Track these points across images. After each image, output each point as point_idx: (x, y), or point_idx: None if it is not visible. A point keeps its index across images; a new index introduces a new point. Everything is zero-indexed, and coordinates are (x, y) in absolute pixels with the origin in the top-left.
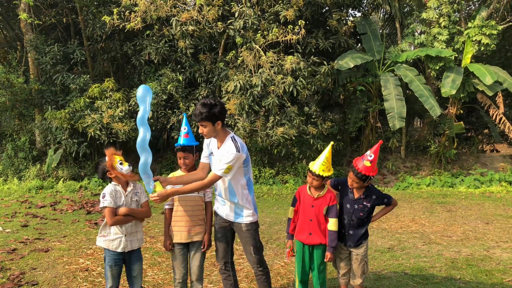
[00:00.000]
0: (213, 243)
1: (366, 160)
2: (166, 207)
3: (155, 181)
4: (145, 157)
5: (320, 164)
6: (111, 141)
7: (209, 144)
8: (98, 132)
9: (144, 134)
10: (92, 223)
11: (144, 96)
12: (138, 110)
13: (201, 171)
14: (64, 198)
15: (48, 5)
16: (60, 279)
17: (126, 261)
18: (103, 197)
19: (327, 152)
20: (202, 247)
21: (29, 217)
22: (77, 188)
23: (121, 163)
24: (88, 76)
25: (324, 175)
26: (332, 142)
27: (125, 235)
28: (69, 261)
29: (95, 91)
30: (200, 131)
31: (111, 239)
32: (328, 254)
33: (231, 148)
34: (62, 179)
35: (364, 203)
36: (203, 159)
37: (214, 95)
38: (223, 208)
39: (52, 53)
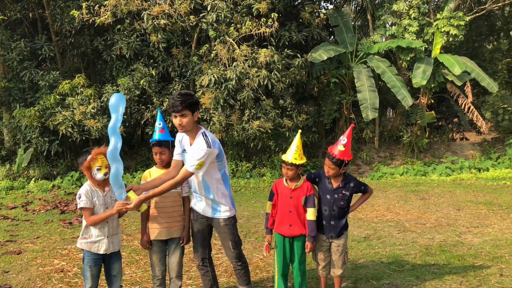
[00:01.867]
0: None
1: (340, 144)
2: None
3: (128, 191)
4: (116, 167)
5: (293, 153)
6: (83, 138)
7: (181, 140)
8: (70, 129)
9: (115, 144)
10: (66, 223)
11: (117, 104)
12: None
13: (173, 170)
14: (36, 198)
15: None
16: (34, 281)
17: (106, 261)
18: (79, 198)
19: (297, 140)
20: (181, 242)
21: None
22: (49, 187)
23: (99, 169)
24: (57, 72)
25: (297, 163)
26: (300, 131)
27: (108, 237)
28: (43, 263)
29: (66, 88)
30: (178, 122)
31: (93, 241)
32: (308, 244)
33: (202, 144)
34: (33, 179)
35: (343, 191)
36: (176, 156)
37: (188, 90)
38: (200, 204)
39: (18, 49)
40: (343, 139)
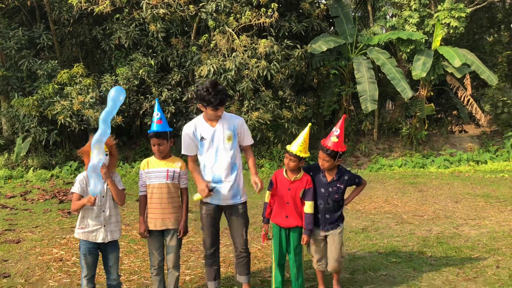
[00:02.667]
0: (192, 230)
1: (333, 136)
2: (140, 193)
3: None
4: (97, 157)
5: (298, 145)
6: (82, 128)
7: (196, 130)
8: (68, 119)
9: (102, 132)
10: (65, 213)
11: (116, 98)
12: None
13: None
14: (35, 187)
15: None
16: (33, 270)
17: (102, 250)
18: (74, 183)
19: (305, 133)
20: (178, 234)
21: None
22: (48, 177)
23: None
24: (56, 61)
25: (301, 156)
26: (310, 124)
27: (104, 225)
28: (42, 252)
29: (64, 77)
30: (220, 113)
31: (90, 230)
32: (304, 237)
33: (237, 117)
34: (32, 168)
35: (338, 184)
36: (193, 150)
37: (187, 80)
38: (218, 196)
39: (16, 37)
40: (336, 130)
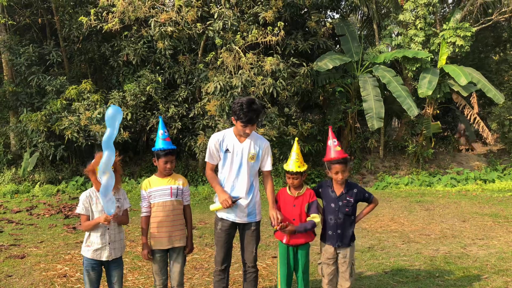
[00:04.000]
0: (196, 247)
1: (334, 147)
2: (143, 215)
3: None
4: (107, 180)
5: (294, 162)
6: (89, 143)
7: (222, 141)
8: (75, 134)
9: (107, 157)
10: (70, 228)
11: (113, 117)
12: (124, 116)
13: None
14: (41, 202)
15: (23, 5)
16: (37, 286)
17: (106, 267)
18: (78, 203)
19: (296, 148)
20: (185, 251)
21: (4, 222)
22: (54, 192)
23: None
24: (64, 77)
25: (301, 171)
26: (296, 138)
27: (109, 243)
28: (46, 268)
29: (72, 93)
30: (248, 131)
31: (95, 248)
32: (290, 228)
33: (265, 140)
34: (38, 183)
35: (348, 198)
36: (214, 160)
37: (194, 96)
38: (234, 212)
39: (27, 54)
40: (334, 141)
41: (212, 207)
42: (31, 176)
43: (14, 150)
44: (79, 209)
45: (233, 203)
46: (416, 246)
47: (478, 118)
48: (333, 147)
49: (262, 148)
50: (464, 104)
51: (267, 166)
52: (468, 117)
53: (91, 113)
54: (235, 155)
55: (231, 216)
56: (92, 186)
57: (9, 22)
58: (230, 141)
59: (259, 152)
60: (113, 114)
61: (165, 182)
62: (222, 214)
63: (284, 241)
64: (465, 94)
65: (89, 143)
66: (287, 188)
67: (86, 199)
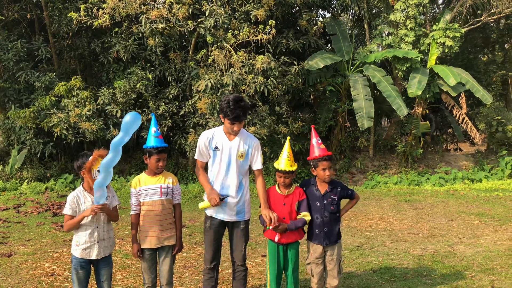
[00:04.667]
0: (186, 245)
1: (319, 145)
2: (132, 213)
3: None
4: (104, 177)
5: (286, 161)
6: (78, 140)
7: (212, 139)
8: (64, 131)
9: (112, 158)
10: (58, 226)
11: (130, 123)
12: (108, 111)
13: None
14: (29, 200)
15: (11, 0)
16: (24, 285)
17: (95, 266)
18: (65, 204)
19: (287, 147)
20: (173, 251)
21: None
22: (42, 189)
23: (99, 170)
24: (54, 74)
25: (293, 170)
26: (288, 137)
27: (98, 242)
28: (34, 266)
29: (62, 89)
30: (236, 128)
31: (84, 247)
32: (283, 225)
33: (254, 138)
34: (26, 181)
35: (332, 196)
36: (204, 158)
37: (184, 94)
38: (223, 210)
39: (15, 49)
40: (318, 140)
41: (201, 205)
42: (19, 173)
43: (1, 147)
44: (66, 210)
45: (221, 200)
46: (405, 245)
47: (466, 118)
48: (317, 145)
49: (252, 146)
50: (453, 104)
51: (257, 164)
52: (457, 117)
53: (81, 110)
54: (224, 153)
55: (220, 215)
56: (80, 185)
57: None
58: (219, 139)
59: (248, 150)
60: (131, 121)
61: (155, 180)
62: (211, 212)
63: (275, 239)
64: (454, 94)
65: (78, 140)
66: (276, 186)
67: (73, 199)
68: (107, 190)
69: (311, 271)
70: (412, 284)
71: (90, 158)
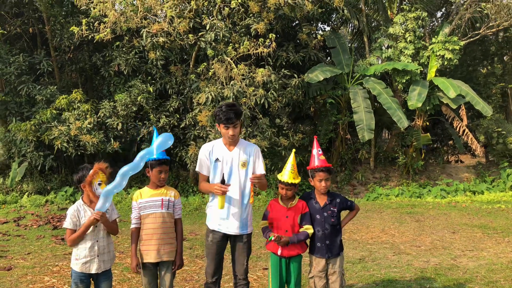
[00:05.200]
0: (186, 259)
1: (318, 156)
2: (133, 226)
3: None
4: (117, 185)
5: (289, 173)
6: (79, 153)
7: (212, 150)
8: (65, 144)
9: (134, 166)
10: (58, 239)
11: (164, 144)
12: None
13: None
14: (29, 213)
15: (14, 14)
16: None
17: (94, 280)
18: (66, 217)
19: (292, 160)
20: (173, 267)
21: None
22: (42, 202)
23: (100, 184)
24: (55, 87)
25: (296, 183)
26: (294, 150)
27: (98, 256)
28: (34, 280)
29: (63, 103)
30: (231, 133)
31: (84, 261)
32: (285, 238)
33: (254, 145)
34: (26, 193)
35: (332, 208)
36: (205, 171)
37: (185, 107)
38: (226, 223)
39: (17, 63)
40: (318, 150)
41: (219, 205)
42: (19, 186)
43: (2, 160)
44: (67, 224)
45: (224, 184)
46: (407, 258)
47: (467, 130)
48: (318, 155)
49: (252, 153)
50: (453, 116)
51: (259, 169)
52: (457, 129)
53: (81, 123)
54: (225, 164)
55: (222, 228)
56: (80, 198)
57: (0, 32)
58: (219, 150)
59: (249, 158)
60: (164, 141)
61: (157, 193)
62: (213, 226)
63: (278, 253)
64: (454, 107)
65: (79, 153)
66: (279, 198)
67: (74, 213)
68: None
69: (314, 284)
70: None
71: (91, 172)
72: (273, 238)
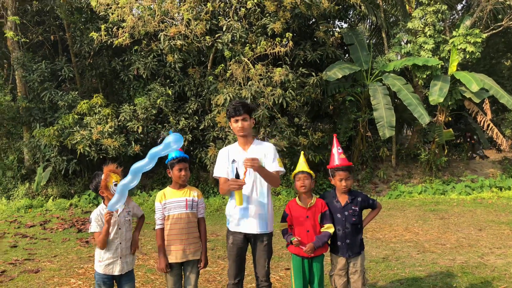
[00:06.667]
0: (209, 260)
1: (339, 155)
2: (157, 227)
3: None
4: (131, 181)
5: (303, 165)
6: (101, 157)
7: (228, 153)
8: (87, 148)
9: (145, 164)
10: (83, 242)
11: (172, 144)
12: (129, 128)
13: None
14: (54, 216)
15: (35, 22)
16: None
17: (117, 281)
18: (90, 222)
19: (302, 158)
20: (199, 265)
21: (18, 237)
22: (67, 206)
23: (116, 184)
24: (76, 92)
25: (310, 173)
26: (302, 152)
27: (120, 257)
28: (60, 282)
29: (84, 107)
30: (240, 125)
31: (107, 263)
32: (310, 245)
33: (268, 144)
34: (51, 197)
35: (353, 207)
36: (223, 173)
37: (204, 109)
38: (246, 222)
39: (39, 70)
40: (338, 149)
41: (237, 202)
42: (44, 190)
43: (27, 165)
44: (93, 228)
45: (239, 179)
46: (432, 256)
47: (491, 124)
48: (338, 154)
49: (268, 152)
50: (476, 111)
51: (274, 166)
52: (481, 124)
53: (103, 127)
54: (241, 164)
55: (242, 228)
56: (102, 202)
57: (22, 40)
58: (235, 152)
59: (265, 157)
60: (174, 140)
61: (181, 194)
62: (233, 227)
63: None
64: (477, 101)
65: (101, 156)
66: (297, 199)
67: (97, 217)
68: (129, 204)
69: (334, 283)
70: None
71: (103, 176)
72: (293, 242)
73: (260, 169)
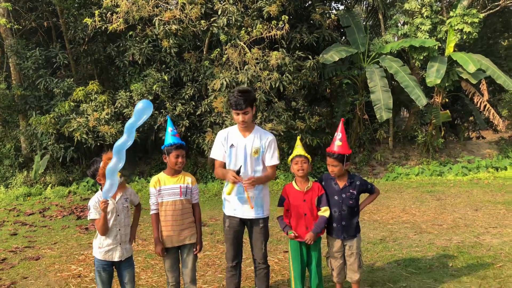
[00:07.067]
0: (208, 244)
1: (337, 140)
2: (152, 212)
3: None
4: (116, 162)
5: (300, 149)
6: (98, 144)
7: (227, 136)
8: (84, 135)
9: (125, 140)
10: (82, 229)
11: (142, 111)
12: (126, 114)
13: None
14: (53, 204)
15: (28, 9)
16: (52, 287)
17: (117, 267)
18: (89, 209)
19: (298, 143)
20: (194, 249)
21: (17, 225)
22: (65, 193)
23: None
24: (71, 79)
25: (307, 156)
26: (299, 137)
27: (120, 244)
28: (61, 268)
29: (80, 94)
30: (241, 119)
31: (107, 250)
32: (311, 235)
33: (268, 135)
34: (50, 185)
35: (351, 190)
36: (220, 157)
37: (200, 94)
38: (242, 208)
39: (34, 57)
40: (338, 134)
41: (226, 191)
42: (43, 178)
43: (25, 153)
44: (92, 215)
45: (238, 174)
46: (429, 237)
47: (488, 105)
48: (336, 139)
49: (266, 142)
50: (473, 92)
51: (270, 160)
52: (478, 105)
53: (99, 114)
54: (239, 150)
55: (238, 213)
56: (99, 190)
57: (15, 27)
58: (234, 136)
59: (263, 146)
60: (142, 108)
61: (175, 180)
62: (229, 212)
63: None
64: (474, 82)
65: (98, 143)
66: (293, 183)
67: (95, 204)
68: (127, 192)
69: (330, 265)
70: (438, 275)
71: (101, 164)
72: (289, 237)
73: (257, 183)
